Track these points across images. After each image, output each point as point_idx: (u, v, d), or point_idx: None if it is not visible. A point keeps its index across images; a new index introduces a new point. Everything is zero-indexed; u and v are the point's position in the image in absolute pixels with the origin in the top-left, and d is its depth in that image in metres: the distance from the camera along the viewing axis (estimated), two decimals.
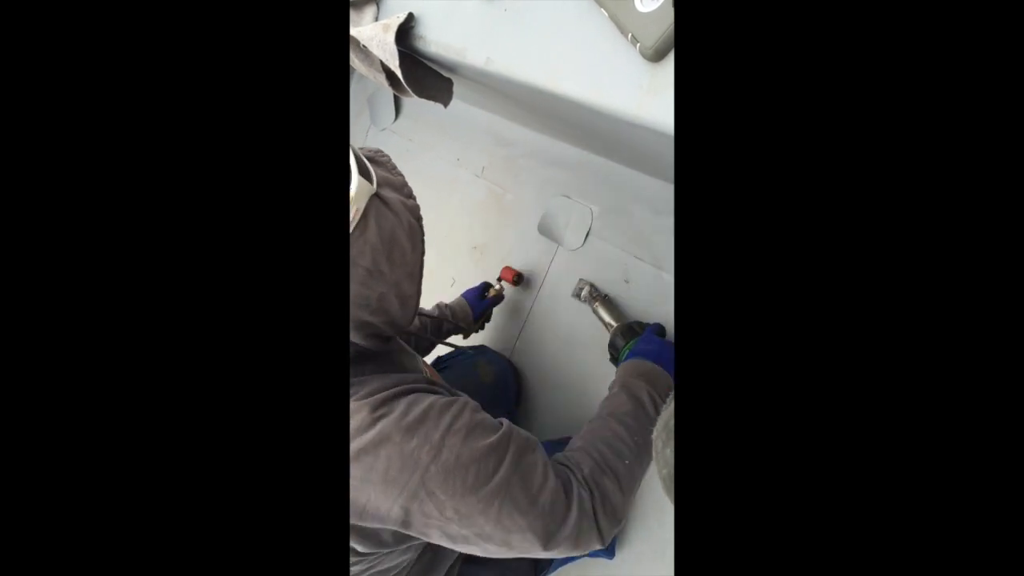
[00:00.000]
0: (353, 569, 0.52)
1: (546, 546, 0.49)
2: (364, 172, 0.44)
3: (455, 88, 0.71)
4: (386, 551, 0.51)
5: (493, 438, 0.48)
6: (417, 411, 0.46)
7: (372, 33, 0.59)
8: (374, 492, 0.45)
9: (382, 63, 0.62)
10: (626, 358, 0.76)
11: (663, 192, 0.97)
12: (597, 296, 0.98)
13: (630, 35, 0.42)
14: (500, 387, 0.98)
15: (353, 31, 0.61)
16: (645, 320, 0.90)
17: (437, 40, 0.58)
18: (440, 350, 1.01)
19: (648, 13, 0.41)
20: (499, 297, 1.08)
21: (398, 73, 0.59)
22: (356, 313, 0.46)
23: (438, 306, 1.02)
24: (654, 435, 0.37)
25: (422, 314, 0.98)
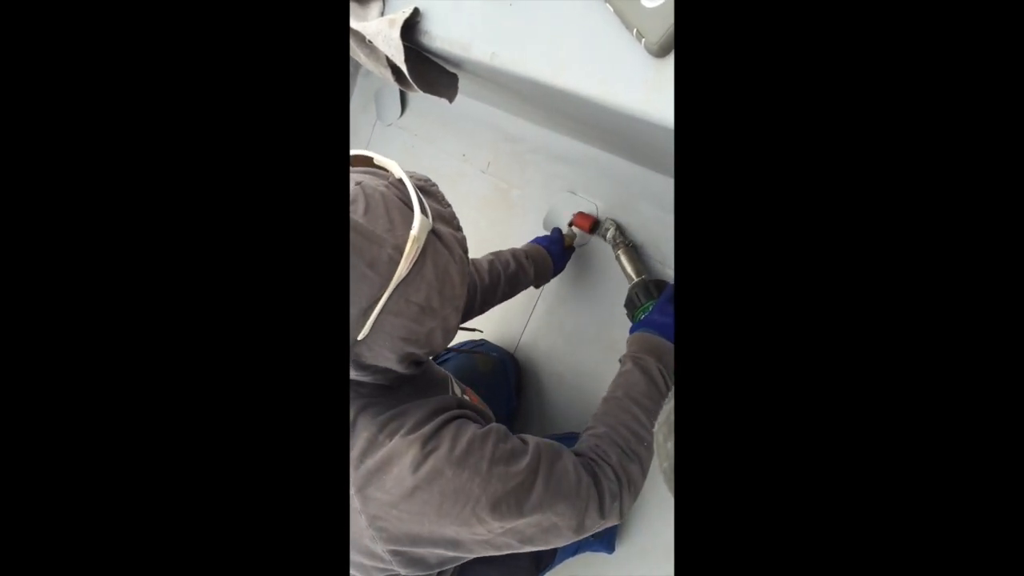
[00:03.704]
0: None
1: (578, 534, 0.54)
2: (421, 207, 0.44)
3: (461, 84, 0.71)
4: (425, 574, 0.54)
5: (527, 459, 0.51)
6: (463, 442, 0.49)
7: (378, 28, 0.59)
8: (428, 522, 0.47)
9: (388, 58, 0.62)
10: (638, 326, 0.76)
11: (669, 188, 0.96)
12: (621, 243, 0.88)
13: (635, 30, 0.42)
14: (498, 378, 0.98)
15: (359, 26, 0.61)
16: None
17: (442, 35, 0.58)
18: None
19: (653, 8, 0.41)
20: (572, 248, 0.99)
21: (403, 69, 0.59)
22: (403, 348, 0.46)
23: (514, 255, 0.87)
24: (655, 428, 0.38)
25: (497, 261, 0.85)
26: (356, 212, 0.42)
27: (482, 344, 1.03)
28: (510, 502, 0.48)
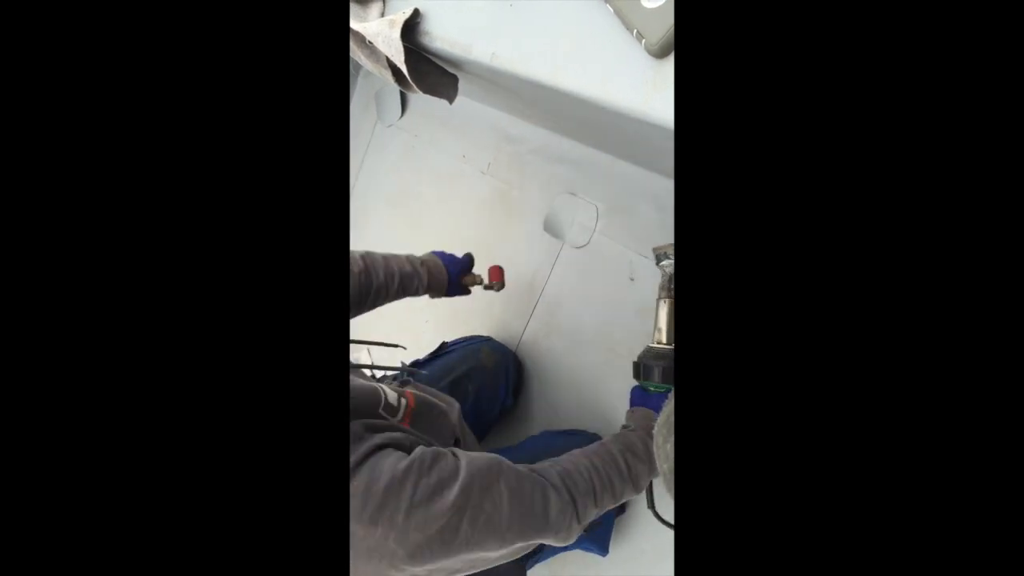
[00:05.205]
0: None
1: (515, 555, 0.53)
2: None
3: (461, 84, 0.71)
4: None
5: (454, 493, 0.47)
6: (378, 491, 0.44)
7: (378, 29, 0.59)
8: None
9: (388, 59, 0.62)
10: (651, 404, 0.73)
11: (669, 189, 0.96)
12: (670, 293, 0.74)
13: (635, 31, 0.42)
14: (500, 374, 1.00)
15: (359, 27, 0.61)
16: None
17: (443, 36, 0.58)
18: (449, 335, 1.02)
19: (654, 9, 0.41)
20: (468, 290, 0.94)
21: (404, 69, 0.60)
22: None
23: (410, 259, 0.85)
24: (655, 430, 0.38)
25: (393, 261, 0.83)
26: None
27: (488, 340, 1.04)
28: (433, 547, 0.45)
